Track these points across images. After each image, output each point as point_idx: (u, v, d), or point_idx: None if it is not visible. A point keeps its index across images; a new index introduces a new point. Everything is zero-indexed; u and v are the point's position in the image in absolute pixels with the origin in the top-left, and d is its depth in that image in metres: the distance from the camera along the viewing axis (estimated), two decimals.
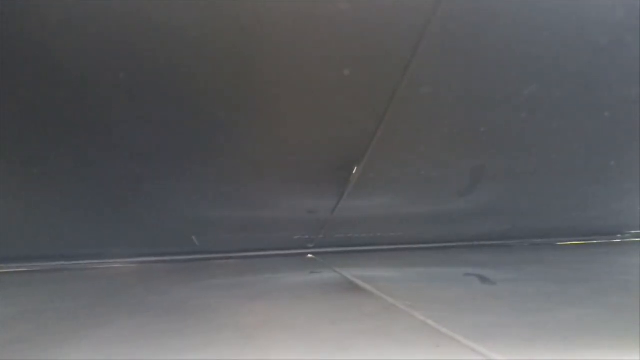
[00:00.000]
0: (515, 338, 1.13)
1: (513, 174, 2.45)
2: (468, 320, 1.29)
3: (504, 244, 3.14)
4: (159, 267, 2.55)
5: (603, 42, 1.74)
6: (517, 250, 3.01)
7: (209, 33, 1.53)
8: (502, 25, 1.63)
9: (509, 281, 1.90)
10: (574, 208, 2.90)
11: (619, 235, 3.36)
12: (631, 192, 2.82)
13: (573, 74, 1.87)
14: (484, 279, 1.91)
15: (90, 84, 1.67)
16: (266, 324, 1.32)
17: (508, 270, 2.17)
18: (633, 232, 3.35)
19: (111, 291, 1.89)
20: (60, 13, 1.43)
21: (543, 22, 1.64)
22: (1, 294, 1.88)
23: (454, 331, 1.17)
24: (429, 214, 2.75)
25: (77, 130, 1.86)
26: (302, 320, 1.35)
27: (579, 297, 1.60)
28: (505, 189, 2.59)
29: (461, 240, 3.09)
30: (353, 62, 1.68)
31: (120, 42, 1.53)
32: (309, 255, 2.82)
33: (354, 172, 2.20)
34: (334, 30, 1.56)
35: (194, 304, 1.61)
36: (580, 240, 3.26)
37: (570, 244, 3.21)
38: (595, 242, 3.25)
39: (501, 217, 2.88)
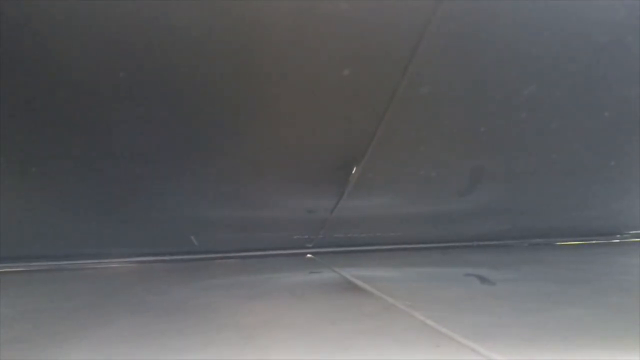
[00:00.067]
0: (515, 338, 1.13)
1: (513, 174, 2.45)
2: (468, 320, 1.29)
3: (504, 244, 3.14)
4: (159, 267, 2.55)
5: (603, 42, 1.74)
6: (516, 250, 3.01)
7: (208, 33, 1.53)
8: (502, 25, 1.63)
9: (508, 281, 1.90)
10: (574, 208, 2.90)
11: (618, 236, 3.36)
12: (631, 192, 2.82)
13: (573, 74, 1.87)
14: (483, 279, 1.91)
15: (90, 83, 1.66)
16: (266, 323, 1.32)
17: (508, 271, 2.17)
18: (633, 232, 3.35)
19: (111, 291, 1.89)
20: (60, 13, 1.43)
21: (543, 22, 1.64)
22: (1, 293, 1.88)
23: (454, 331, 1.18)
24: (428, 214, 2.75)
25: (76, 129, 1.85)
26: (302, 320, 1.35)
27: (578, 297, 1.60)
28: (505, 189, 2.59)
29: (461, 241, 3.09)
30: (353, 62, 1.67)
31: (120, 42, 1.53)
32: (309, 255, 2.82)
33: (353, 171, 2.20)
34: (334, 30, 1.55)
35: (193, 303, 1.61)
36: (580, 241, 3.26)
37: (570, 244, 3.21)
38: (594, 242, 3.25)
39: (501, 217, 2.88)
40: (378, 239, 2.92)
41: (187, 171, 2.12)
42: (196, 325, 1.33)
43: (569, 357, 1.01)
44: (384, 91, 1.80)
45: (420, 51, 1.64)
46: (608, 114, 2.11)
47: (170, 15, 1.46)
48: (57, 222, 2.32)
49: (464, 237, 3.07)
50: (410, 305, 1.45)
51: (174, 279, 2.18)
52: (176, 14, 1.46)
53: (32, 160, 1.97)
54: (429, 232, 2.98)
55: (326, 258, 2.68)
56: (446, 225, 2.87)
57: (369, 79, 1.76)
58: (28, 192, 2.14)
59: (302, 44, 1.60)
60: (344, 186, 2.30)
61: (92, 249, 2.54)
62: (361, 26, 1.55)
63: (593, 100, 2.03)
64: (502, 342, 1.09)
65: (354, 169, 2.18)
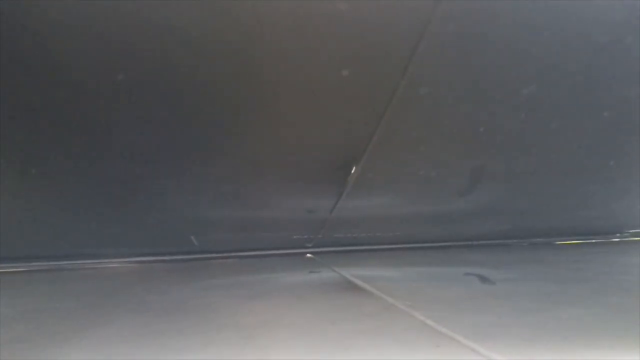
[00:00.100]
0: (514, 338, 1.13)
1: (513, 173, 2.45)
2: (468, 320, 1.29)
3: (504, 244, 3.14)
4: (159, 267, 2.55)
5: (603, 42, 1.74)
6: (516, 249, 3.01)
7: (208, 33, 1.53)
8: (502, 25, 1.63)
9: (508, 281, 1.90)
10: (574, 208, 2.90)
11: (618, 235, 3.36)
12: (630, 192, 2.82)
13: (573, 74, 1.87)
14: (483, 279, 1.91)
15: (90, 83, 1.67)
16: (266, 323, 1.32)
17: (508, 270, 2.17)
18: (632, 231, 3.35)
19: (111, 291, 1.89)
20: (60, 13, 1.43)
21: (543, 22, 1.64)
22: (1, 293, 1.88)
23: (454, 331, 1.18)
24: (428, 213, 2.75)
25: (76, 130, 1.85)
26: (302, 320, 1.35)
27: (578, 296, 1.60)
28: (504, 189, 2.59)
29: (461, 240, 3.09)
30: (352, 62, 1.68)
31: (120, 42, 1.53)
32: (308, 255, 2.82)
33: (353, 171, 2.20)
34: (334, 30, 1.56)
35: (193, 303, 1.61)
36: (580, 240, 3.26)
37: (570, 244, 3.21)
38: (594, 241, 3.25)
39: (501, 216, 2.88)
40: (378, 239, 2.91)
41: (187, 171, 2.12)
42: (196, 325, 1.33)
43: (569, 357, 1.01)
44: (383, 91, 1.80)
45: (420, 51, 1.64)
46: (608, 114, 2.11)
47: (170, 16, 1.46)
48: (57, 222, 2.32)
49: (464, 236, 3.07)
50: (410, 305, 1.45)
51: (174, 278, 2.18)
52: (176, 14, 1.46)
53: (32, 160, 1.97)
54: (428, 232, 2.98)
55: (326, 258, 2.68)
56: (446, 224, 2.87)
57: (368, 79, 1.76)
58: (28, 192, 2.14)
59: (302, 44, 1.61)
60: (344, 186, 2.30)
61: (92, 249, 2.54)
62: (361, 26, 1.55)
63: (593, 100, 2.03)
64: (502, 342, 1.09)
65: (354, 168, 2.18)
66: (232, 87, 1.74)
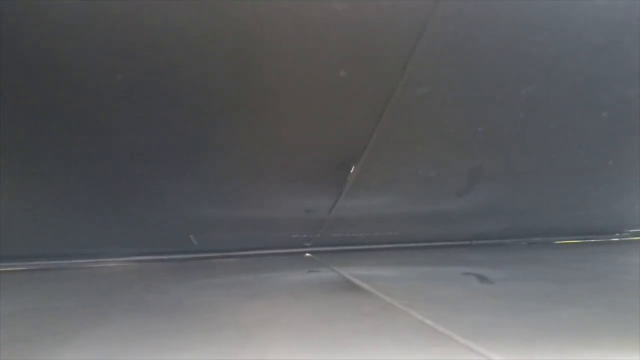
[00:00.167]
0: (513, 337, 1.13)
1: (511, 173, 2.45)
2: (466, 319, 1.29)
3: (503, 243, 3.14)
4: (158, 266, 2.55)
5: (603, 42, 1.74)
6: (515, 249, 3.01)
7: (207, 33, 1.53)
8: (501, 25, 1.63)
9: (507, 280, 1.90)
10: (573, 207, 2.90)
11: (617, 235, 3.36)
12: (630, 192, 2.83)
13: (573, 73, 1.87)
14: (482, 278, 1.91)
15: (90, 83, 1.67)
16: (264, 322, 1.32)
17: (506, 270, 2.17)
18: (632, 231, 3.35)
19: (110, 290, 1.90)
20: (60, 13, 1.43)
21: (542, 22, 1.64)
22: (1, 292, 1.88)
23: (452, 330, 1.18)
24: (427, 213, 2.75)
25: (76, 129, 1.85)
26: (300, 319, 1.35)
27: (578, 296, 1.60)
28: (503, 189, 2.59)
29: (459, 240, 3.09)
30: (351, 62, 1.68)
31: (120, 42, 1.53)
32: (307, 254, 2.82)
33: (352, 171, 2.20)
34: (332, 30, 1.56)
35: (192, 302, 1.62)
36: (579, 240, 3.27)
37: (569, 243, 3.21)
38: (593, 241, 3.25)
39: (499, 216, 2.89)
40: (376, 238, 2.92)
41: (186, 171, 2.12)
42: (195, 324, 1.33)
43: (568, 357, 1.01)
44: (382, 91, 1.81)
45: (419, 51, 1.64)
46: (608, 114, 2.11)
47: (170, 16, 1.46)
48: (57, 221, 2.33)
49: (462, 236, 3.08)
50: (408, 304, 1.45)
51: (173, 278, 2.18)
52: (176, 14, 1.46)
53: (32, 159, 1.97)
54: (427, 232, 2.98)
55: (325, 257, 2.68)
56: (445, 224, 2.87)
57: (367, 79, 1.76)
58: (28, 191, 2.14)
59: (301, 44, 1.61)
60: (343, 186, 2.30)
61: (91, 248, 2.54)
62: (360, 26, 1.55)
63: (593, 100, 2.03)
64: (500, 342, 1.09)
65: (353, 168, 2.18)
66: (231, 87, 1.74)
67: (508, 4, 1.56)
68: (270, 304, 1.58)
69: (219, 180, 2.22)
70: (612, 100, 2.04)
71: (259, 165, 2.15)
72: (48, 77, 1.63)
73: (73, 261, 2.52)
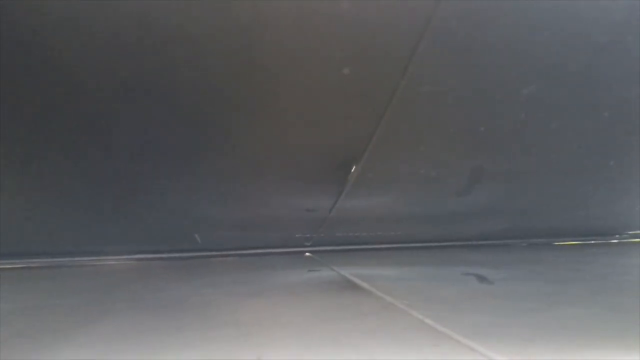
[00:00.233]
0: (513, 337, 1.13)
1: (512, 173, 2.45)
2: (466, 319, 1.29)
3: (503, 244, 3.14)
4: (158, 265, 2.55)
5: (603, 42, 1.74)
6: (515, 250, 3.01)
7: (209, 32, 1.53)
8: (502, 25, 1.63)
9: (507, 280, 1.90)
10: (573, 208, 2.90)
11: (617, 236, 3.36)
12: (630, 192, 2.83)
13: (573, 73, 1.87)
14: (482, 279, 1.91)
15: (90, 82, 1.67)
16: (264, 321, 1.32)
17: (506, 270, 2.17)
18: (631, 232, 3.35)
19: (110, 288, 1.89)
20: (60, 12, 1.43)
21: (543, 22, 1.64)
22: (1, 289, 1.88)
23: (453, 330, 1.18)
24: (427, 213, 2.75)
25: (77, 128, 1.85)
26: (300, 319, 1.35)
27: (577, 296, 1.60)
28: (504, 189, 2.59)
29: (460, 240, 3.10)
30: (353, 61, 1.68)
31: (120, 41, 1.53)
32: (307, 254, 2.82)
33: (352, 171, 2.20)
34: (334, 29, 1.56)
35: (192, 301, 1.61)
36: (579, 241, 3.27)
37: (569, 244, 3.21)
38: (593, 242, 3.25)
39: (500, 216, 2.89)
40: (377, 238, 2.92)
41: (187, 170, 2.12)
42: (195, 322, 1.33)
43: (569, 357, 1.01)
44: (383, 91, 1.81)
45: (420, 51, 1.64)
46: (608, 114, 2.11)
47: (171, 15, 1.46)
48: (58, 219, 2.33)
49: (463, 236, 3.08)
50: (409, 304, 1.45)
51: (173, 276, 2.18)
52: (176, 14, 1.46)
53: (32, 158, 1.97)
54: (428, 232, 2.98)
55: (325, 257, 2.68)
56: (445, 224, 2.87)
57: (368, 79, 1.76)
58: (28, 189, 2.14)
59: (302, 44, 1.61)
60: (343, 185, 2.30)
61: (92, 246, 2.55)
62: (361, 26, 1.55)
63: (593, 100, 2.03)
64: (500, 342, 1.09)
65: (353, 168, 2.18)
66: (232, 86, 1.74)
67: (509, 4, 1.56)
68: (270, 303, 1.58)
69: (219, 179, 2.22)
70: (613, 100, 2.04)
71: (260, 164, 2.15)
72: (48, 77, 1.63)
73: (73, 259, 2.52)
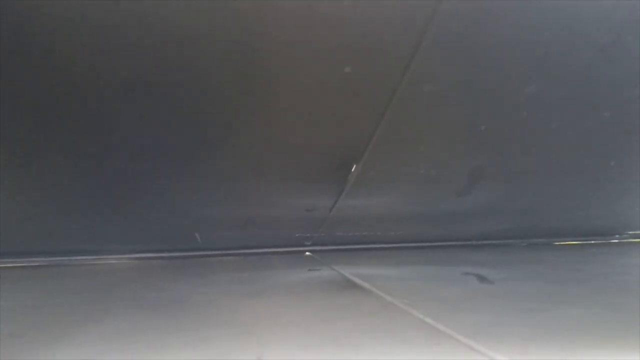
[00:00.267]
0: (513, 337, 1.13)
1: (512, 173, 2.45)
2: (466, 318, 1.29)
3: (503, 244, 3.14)
4: (158, 264, 2.55)
5: (603, 42, 1.74)
6: (515, 249, 3.01)
7: (210, 32, 1.53)
8: (503, 24, 1.63)
9: (507, 280, 1.90)
10: (573, 208, 2.90)
11: (617, 236, 3.36)
12: (630, 193, 2.83)
13: (573, 73, 1.87)
14: (482, 278, 1.91)
15: (90, 82, 1.67)
16: (264, 321, 1.32)
17: (506, 270, 2.17)
18: (631, 232, 3.35)
19: (109, 287, 1.89)
20: (61, 12, 1.43)
21: (543, 22, 1.64)
22: (1, 288, 1.88)
23: (452, 329, 1.18)
24: (427, 213, 2.75)
25: (77, 127, 1.85)
26: (300, 318, 1.35)
27: (577, 296, 1.60)
28: (504, 189, 2.59)
29: (460, 240, 3.09)
30: (353, 60, 1.68)
31: (121, 41, 1.53)
32: (307, 253, 2.82)
33: (353, 170, 2.20)
34: (335, 29, 1.56)
35: (192, 300, 1.61)
36: (579, 241, 3.27)
37: (569, 244, 3.21)
38: (593, 242, 3.25)
39: (500, 216, 2.89)
40: (377, 238, 2.92)
41: (188, 169, 2.12)
42: (195, 321, 1.33)
43: (569, 357, 1.01)
44: (384, 90, 1.81)
45: (421, 50, 1.64)
46: (608, 114, 2.11)
47: (171, 15, 1.46)
48: (58, 218, 2.33)
49: (463, 236, 3.08)
50: (409, 303, 1.45)
51: (173, 275, 2.18)
52: (177, 14, 1.46)
53: (33, 156, 1.97)
54: (428, 231, 2.98)
55: (325, 256, 2.68)
56: (445, 224, 2.87)
57: (369, 78, 1.76)
58: (29, 188, 2.14)
59: (303, 43, 1.61)
60: (343, 185, 2.30)
61: (92, 245, 2.55)
62: (362, 25, 1.55)
63: (593, 100, 2.03)
64: (501, 341, 1.09)
65: (354, 167, 2.18)
66: (232, 86, 1.74)
67: (510, 4, 1.56)
68: (271, 302, 1.58)
69: (219, 179, 2.22)
70: (613, 100, 2.04)
71: (260, 163, 2.15)
72: (48, 77, 1.63)
73: (73, 258, 2.52)
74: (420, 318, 1.30)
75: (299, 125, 1.98)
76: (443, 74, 1.79)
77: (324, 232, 2.74)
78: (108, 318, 1.38)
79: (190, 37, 1.53)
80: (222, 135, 1.97)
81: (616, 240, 3.32)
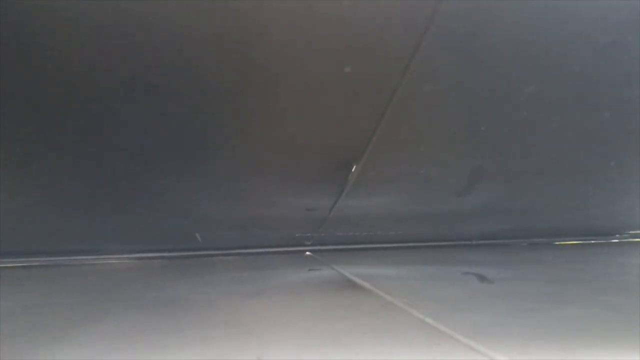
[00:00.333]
0: (514, 337, 1.13)
1: (512, 173, 2.45)
2: (466, 318, 1.29)
3: (503, 243, 3.14)
4: (158, 264, 2.55)
5: (603, 42, 1.74)
6: (515, 249, 3.01)
7: (209, 32, 1.53)
8: (503, 24, 1.63)
9: (507, 280, 1.90)
10: (574, 208, 2.90)
11: (617, 236, 3.36)
12: (630, 193, 2.83)
13: (573, 73, 1.87)
14: (482, 278, 1.91)
15: (91, 81, 1.67)
16: (264, 320, 1.32)
17: (506, 270, 2.17)
18: (632, 232, 3.35)
19: (110, 287, 1.89)
20: (60, 11, 1.43)
21: (543, 22, 1.64)
22: (1, 288, 1.88)
23: (453, 329, 1.18)
24: (428, 213, 2.75)
25: (77, 127, 1.86)
26: (300, 318, 1.35)
27: (577, 296, 1.60)
28: (504, 189, 2.59)
29: (460, 239, 3.10)
30: (354, 60, 1.68)
31: (121, 40, 1.53)
32: (308, 253, 2.82)
33: (353, 170, 2.20)
34: (335, 29, 1.56)
35: (192, 300, 1.61)
36: (579, 240, 3.27)
37: (569, 244, 3.21)
38: (593, 242, 3.25)
39: (500, 216, 2.89)
40: (377, 238, 2.92)
41: (188, 169, 2.12)
42: (195, 321, 1.33)
43: (569, 357, 1.01)
44: (384, 90, 1.81)
45: (421, 50, 1.64)
46: (608, 114, 2.11)
47: (171, 15, 1.46)
48: (58, 218, 2.33)
49: (462, 236, 3.08)
50: (409, 303, 1.45)
51: (174, 275, 2.18)
52: (177, 14, 1.46)
53: (33, 156, 1.97)
54: (428, 231, 2.98)
55: (325, 256, 2.68)
56: (445, 224, 2.87)
57: (369, 78, 1.76)
58: (29, 188, 2.14)
59: (303, 43, 1.60)
60: (344, 185, 2.30)
61: (92, 245, 2.55)
62: (362, 25, 1.55)
63: (593, 100, 2.03)
64: (501, 341, 1.09)
65: (354, 167, 2.18)
66: (232, 86, 1.74)
67: (510, 4, 1.56)
68: (271, 302, 1.58)
69: (219, 179, 2.22)
70: (613, 100, 2.04)
71: (260, 163, 2.15)
72: (48, 77, 1.63)
73: (73, 258, 2.53)
74: (420, 318, 1.30)
75: (299, 125, 1.98)
76: (443, 74, 1.79)
77: (324, 232, 2.75)
78: (108, 318, 1.38)
79: (190, 37, 1.53)
80: (222, 135, 1.97)
81: (616, 240, 3.32)
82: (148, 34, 1.51)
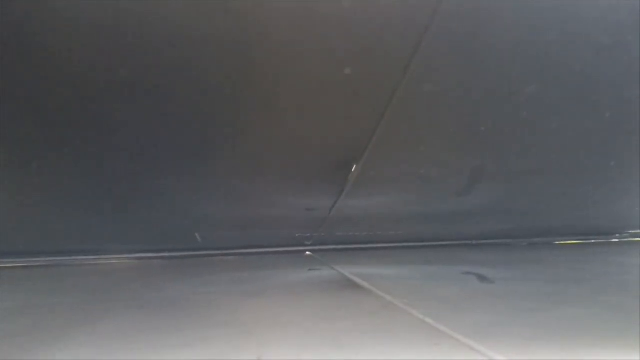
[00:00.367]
0: (514, 337, 1.13)
1: (512, 173, 2.45)
2: (466, 318, 1.29)
3: (503, 243, 3.14)
4: (158, 264, 2.55)
5: (603, 42, 1.74)
6: (515, 249, 3.01)
7: (210, 32, 1.53)
8: (503, 25, 1.63)
9: (507, 280, 1.90)
10: (574, 208, 2.90)
11: (617, 235, 3.36)
12: (630, 192, 2.83)
13: (573, 73, 1.87)
14: (482, 278, 1.91)
15: (91, 81, 1.67)
16: (264, 320, 1.32)
17: (506, 269, 2.17)
18: (632, 232, 3.35)
19: (110, 287, 1.89)
20: (60, 11, 1.43)
21: (544, 22, 1.64)
22: (1, 288, 1.88)
23: (453, 329, 1.18)
24: (428, 213, 2.75)
25: (78, 127, 1.86)
26: (300, 318, 1.35)
27: (578, 296, 1.60)
28: (504, 189, 2.59)
29: (460, 239, 3.10)
30: (354, 60, 1.68)
31: (121, 40, 1.53)
32: (308, 253, 2.82)
33: (353, 170, 2.20)
34: (335, 29, 1.56)
35: (192, 300, 1.61)
36: (579, 240, 3.27)
37: (569, 244, 3.21)
38: (593, 241, 3.25)
39: (500, 216, 2.89)
40: (377, 237, 2.92)
41: (187, 169, 2.12)
42: (195, 321, 1.33)
43: (569, 357, 1.01)
44: (384, 90, 1.81)
45: (421, 50, 1.64)
46: (608, 114, 2.11)
47: (171, 15, 1.46)
48: (58, 218, 2.33)
49: (463, 236, 3.08)
50: (409, 303, 1.45)
51: (174, 275, 2.18)
52: (177, 14, 1.46)
53: (33, 156, 1.97)
54: (428, 231, 2.98)
55: (325, 256, 2.68)
56: (445, 224, 2.87)
57: (369, 78, 1.76)
58: (29, 188, 2.14)
59: (303, 43, 1.61)
60: (344, 185, 2.30)
61: (92, 245, 2.55)
62: (362, 26, 1.55)
63: (593, 100, 2.03)
64: (501, 341, 1.09)
65: (354, 167, 2.18)
66: (233, 86, 1.74)
67: (511, 4, 1.56)
68: (271, 302, 1.58)
69: (220, 179, 2.22)
70: (613, 100, 2.04)
71: (261, 163, 2.15)
72: (48, 77, 1.63)
73: (73, 258, 2.53)
74: (420, 318, 1.30)
75: (299, 125, 1.98)
76: (443, 74, 1.79)
77: (324, 232, 2.75)
78: (108, 318, 1.38)
79: (190, 37, 1.53)
80: (222, 135, 1.97)
81: (616, 240, 3.32)
82: (148, 34, 1.51)
